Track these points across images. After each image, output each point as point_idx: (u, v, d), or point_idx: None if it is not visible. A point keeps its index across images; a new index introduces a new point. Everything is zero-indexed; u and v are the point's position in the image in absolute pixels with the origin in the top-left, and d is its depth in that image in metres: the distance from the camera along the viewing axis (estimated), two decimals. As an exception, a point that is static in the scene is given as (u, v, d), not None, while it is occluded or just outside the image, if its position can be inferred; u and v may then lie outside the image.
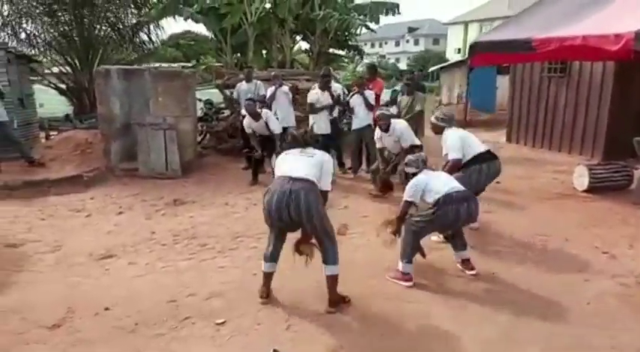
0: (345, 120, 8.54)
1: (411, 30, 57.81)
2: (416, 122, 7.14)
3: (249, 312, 3.56)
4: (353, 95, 7.54)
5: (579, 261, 4.43)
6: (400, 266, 4.04)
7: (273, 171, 7.05)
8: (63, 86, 11.62)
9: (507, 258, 4.52)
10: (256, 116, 6.83)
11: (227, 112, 10.08)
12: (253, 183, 7.13)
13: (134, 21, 12.16)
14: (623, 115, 8.43)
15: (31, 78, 11.38)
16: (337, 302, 3.62)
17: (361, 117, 7.24)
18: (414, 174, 4.18)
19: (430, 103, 16.68)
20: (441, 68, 20.24)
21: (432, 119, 5.09)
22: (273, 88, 7.64)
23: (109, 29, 11.90)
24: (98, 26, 11.49)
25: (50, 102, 13.85)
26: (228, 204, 6.23)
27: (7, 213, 5.97)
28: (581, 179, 6.73)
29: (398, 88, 9.16)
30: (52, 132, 9.99)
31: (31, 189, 6.81)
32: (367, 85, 7.63)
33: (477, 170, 4.78)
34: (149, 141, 7.63)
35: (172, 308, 3.64)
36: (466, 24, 43.80)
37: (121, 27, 11.95)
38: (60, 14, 11.00)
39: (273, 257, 3.71)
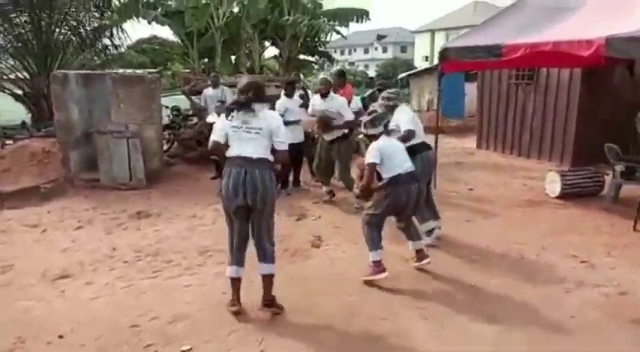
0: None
1: (379, 37, 58.36)
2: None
3: (217, 336, 3.30)
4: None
5: (558, 271, 4.35)
6: (370, 256, 4.08)
7: None
8: (19, 92, 11.01)
9: (485, 269, 4.40)
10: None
11: (195, 119, 9.76)
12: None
13: (96, 24, 11.67)
14: (591, 121, 8.54)
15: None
16: (271, 302, 3.57)
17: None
18: (373, 137, 4.16)
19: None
20: (410, 75, 20.35)
21: (384, 94, 5.23)
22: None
23: (69, 33, 11.37)
24: (57, 30, 10.94)
25: (8, 109, 13.15)
26: (196, 216, 5.93)
27: (-47, 230, 5.51)
28: (553, 185, 6.74)
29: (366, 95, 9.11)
30: (7, 142, 9.42)
31: (-19, 203, 6.34)
32: (338, 91, 7.47)
33: (416, 159, 4.61)
34: (111, 150, 7.24)
35: (134, 334, 3.34)
36: (433, 32, 44.56)
37: (81, 31, 11.43)
38: (15, 16, 10.43)
39: (237, 259, 3.56)
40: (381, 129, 4.18)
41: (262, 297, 3.58)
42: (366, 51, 60.40)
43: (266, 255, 3.52)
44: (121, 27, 12.04)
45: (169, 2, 11.25)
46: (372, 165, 4.04)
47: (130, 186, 7.19)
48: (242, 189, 3.33)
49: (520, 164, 9.41)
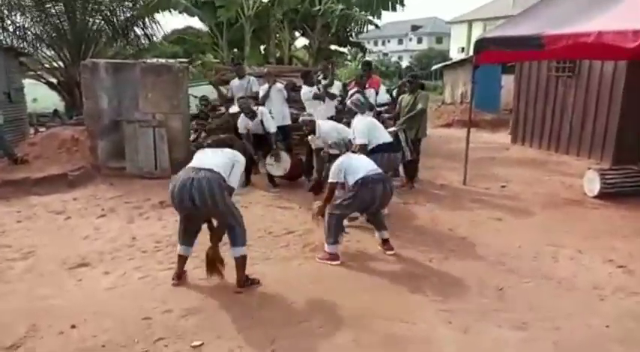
0: (344, 120, 8.17)
1: (414, 28, 57.31)
2: (418, 121, 6.76)
3: (229, 333, 3.21)
4: (353, 94, 7.19)
5: (593, 276, 4.07)
6: (326, 247, 4.30)
7: (267, 173, 6.76)
8: (54, 80, 11.24)
9: (515, 271, 4.16)
10: (251, 114, 6.52)
11: (223, 109, 9.73)
12: (245, 184, 6.78)
13: (128, 15, 11.77)
14: (634, 118, 8.05)
15: (28, 72, 11.01)
16: (245, 282, 3.77)
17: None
18: (338, 156, 4.51)
19: (432, 102, 16.29)
20: (444, 67, 19.82)
21: (348, 103, 5.77)
22: (266, 86, 7.27)
23: (103, 23, 11.51)
24: (91, 19, 11.10)
25: (45, 97, 13.50)
26: (218, 207, 5.86)
27: (-17, 215, 5.63)
28: (591, 184, 6.37)
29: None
30: (40, 129, 9.64)
31: (12, 189, 6.47)
32: (366, 82, 7.27)
33: (378, 158, 4.90)
34: (137, 139, 7.27)
35: (145, 327, 3.28)
36: (470, 23, 43.32)
37: (114, 20, 11.56)
38: (50, 6, 10.62)
39: (185, 241, 3.85)
40: (343, 150, 4.57)
41: (236, 279, 3.75)
42: (401, 42, 59.42)
43: (237, 239, 3.70)
44: (153, 17, 12.10)
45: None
46: (332, 185, 4.39)
47: (155, 175, 7.20)
48: (187, 196, 3.48)
49: (558, 160, 9.00)
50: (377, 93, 7.64)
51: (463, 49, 42.65)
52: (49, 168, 7.15)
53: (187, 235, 3.83)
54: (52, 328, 3.26)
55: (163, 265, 4.29)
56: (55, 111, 11.17)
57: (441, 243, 4.80)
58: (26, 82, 10.64)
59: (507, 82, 14.45)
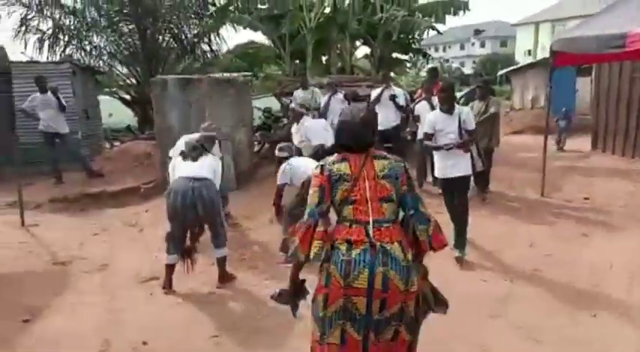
0: (408, 129, 7.93)
1: (477, 32, 55.69)
2: (490, 128, 6.42)
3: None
4: (419, 101, 6.97)
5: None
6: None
7: None
8: (127, 97, 11.81)
9: (610, 296, 3.76)
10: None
11: (285, 121, 9.77)
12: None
13: (195, 31, 12.20)
14: None
15: (104, 89, 11.66)
16: (226, 279, 4.15)
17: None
18: (286, 159, 4.79)
19: (502, 107, 15.59)
20: (512, 71, 18.94)
21: (293, 105, 6.11)
22: (327, 96, 7.21)
23: (172, 40, 11.99)
24: (160, 37, 11.59)
25: (119, 112, 14.22)
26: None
27: (63, 226, 5.92)
28: (690, 195, 5.74)
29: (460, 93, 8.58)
30: (115, 143, 10.11)
31: (89, 201, 6.79)
32: (431, 90, 7.01)
33: None
34: (204, 153, 7.39)
35: (212, 345, 3.24)
36: (537, 24, 41.51)
37: (182, 37, 12.01)
38: (122, 26, 11.20)
39: (175, 250, 4.13)
40: (288, 153, 4.89)
41: (218, 275, 4.15)
42: (462, 47, 57.88)
43: (219, 241, 4.14)
44: (217, 33, 12.47)
45: (261, 6, 11.42)
46: (280, 186, 4.73)
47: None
48: (191, 207, 3.93)
49: (645, 168, 8.25)
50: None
51: (530, 51, 40.91)
52: (124, 181, 7.44)
53: (175, 245, 4.10)
54: (124, 343, 3.29)
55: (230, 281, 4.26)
56: (128, 126, 11.70)
57: (520, 260, 4.46)
58: (102, 98, 11.24)
59: (583, 84, 13.57)
